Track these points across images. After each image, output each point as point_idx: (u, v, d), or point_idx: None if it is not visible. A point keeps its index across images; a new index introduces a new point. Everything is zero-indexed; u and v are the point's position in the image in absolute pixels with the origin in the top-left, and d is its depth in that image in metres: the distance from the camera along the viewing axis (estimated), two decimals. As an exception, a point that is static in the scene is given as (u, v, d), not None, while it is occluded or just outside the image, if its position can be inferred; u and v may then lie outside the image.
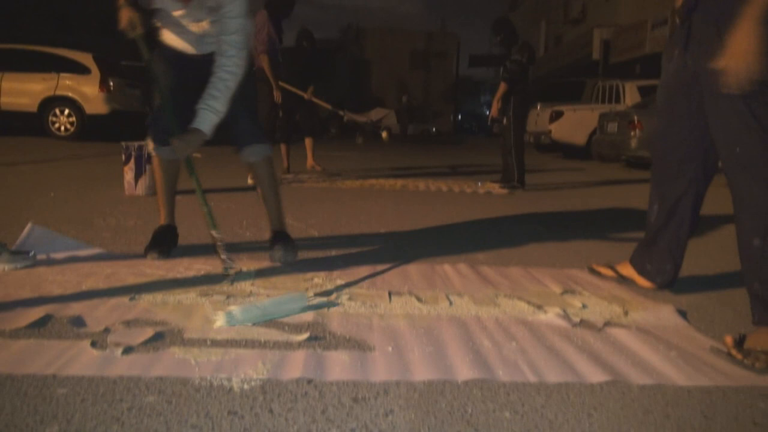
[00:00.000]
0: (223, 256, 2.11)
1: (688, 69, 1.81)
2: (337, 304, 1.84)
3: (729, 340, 1.56)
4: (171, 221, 2.54)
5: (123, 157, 4.16)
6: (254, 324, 1.62)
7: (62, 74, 9.82)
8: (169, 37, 2.31)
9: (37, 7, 18.04)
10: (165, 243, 2.44)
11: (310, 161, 6.45)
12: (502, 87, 5.38)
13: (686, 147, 1.92)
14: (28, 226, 2.52)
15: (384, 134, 6.82)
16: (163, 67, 2.29)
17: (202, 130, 2.11)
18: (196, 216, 3.29)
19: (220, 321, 1.61)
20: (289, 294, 1.82)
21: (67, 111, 9.89)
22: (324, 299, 1.87)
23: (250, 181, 4.70)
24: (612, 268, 2.28)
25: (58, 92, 9.83)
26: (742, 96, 1.61)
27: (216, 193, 4.30)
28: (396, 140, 15.43)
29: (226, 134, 2.40)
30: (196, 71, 2.21)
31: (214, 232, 2.16)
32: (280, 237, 2.40)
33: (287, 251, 2.35)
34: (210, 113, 2.11)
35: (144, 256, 2.36)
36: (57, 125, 9.93)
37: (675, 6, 1.87)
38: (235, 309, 1.64)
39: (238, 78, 2.14)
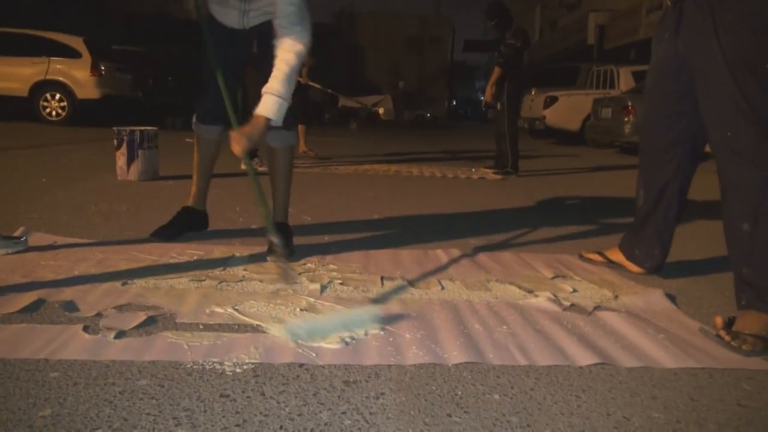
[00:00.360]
0: (282, 266, 1.92)
1: (678, 53, 1.80)
2: (330, 289, 1.85)
3: (719, 321, 1.58)
4: (197, 204, 2.49)
5: (115, 142, 4.14)
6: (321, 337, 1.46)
7: (53, 58, 9.72)
8: (216, 11, 2.23)
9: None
10: (173, 228, 2.41)
11: (302, 147, 6.44)
12: (496, 72, 5.35)
13: (674, 131, 1.92)
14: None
15: (381, 110, 6.79)
16: (222, 51, 2.14)
17: (263, 116, 1.95)
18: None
19: (277, 332, 1.49)
20: (358, 310, 1.66)
21: (58, 95, 9.80)
22: (317, 284, 1.88)
23: (259, 168, 4.63)
24: (602, 254, 2.29)
25: (49, 76, 9.73)
26: (734, 79, 1.61)
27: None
28: (391, 126, 15.40)
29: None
30: (242, 46, 2.14)
31: (273, 238, 1.93)
32: (279, 230, 2.32)
33: (280, 247, 2.18)
34: (273, 96, 1.95)
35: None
36: (48, 110, 9.84)
37: None
38: (298, 324, 1.50)
39: (301, 55, 1.98)
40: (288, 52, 1.97)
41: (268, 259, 2.11)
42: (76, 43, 9.91)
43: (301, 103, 6.25)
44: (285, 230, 2.32)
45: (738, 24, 1.61)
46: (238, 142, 1.92)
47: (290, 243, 2.29)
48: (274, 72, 1.97)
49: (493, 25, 5.50)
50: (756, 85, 1.58)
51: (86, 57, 9.78)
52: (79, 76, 9.73)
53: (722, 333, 1.54)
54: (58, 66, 9.73)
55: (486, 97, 5.45)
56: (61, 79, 9.76)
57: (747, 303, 1.62)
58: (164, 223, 2.45)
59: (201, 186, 2.49)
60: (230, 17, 2.22)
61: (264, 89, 1.97)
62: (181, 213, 2.48)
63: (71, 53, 9.80)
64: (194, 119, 2.40)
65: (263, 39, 2.13)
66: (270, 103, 1.96)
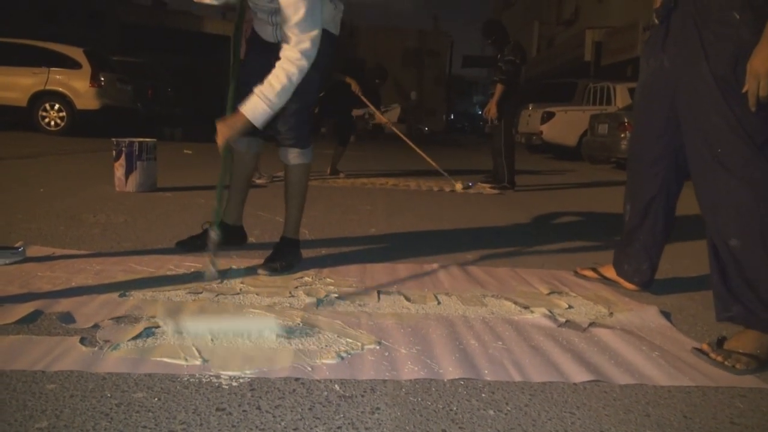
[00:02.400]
0: (211, 258, 2.00)
1: (664, 69, 1.82)
2: (326, 303, 1.85)
3: (705, 347, 1.59)
4: (229, 218, 2.47)
5: (113, 153, 4.15)
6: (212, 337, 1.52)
7: (53, 69, 9.75)
8: (256, 24, 2.26)
9: (28, 1, 17.91)
10: (199, 239, 2.39)
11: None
12: (499, 88, 5.34)
13: (660, 146, 1.93)
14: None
15: (387, 123, 6.72)
16: (259, 62, 2.11)
17: (243, 113, 1.94)
18: (188, 213, 3.29)
19: (169, 326, 1.55)
20: (261, 320, 1.67)
21: (57, 106, 9.82)
22: (313, 298, 1.89)
23: (256, 180, 4.64)
24: (596, 270, 2.31)
25: (49, 87, 9.76)
26: (723, 96, 1.63)
27: (207, 190, 4.30)
28: (390, 139, 15.42)
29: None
30: (261, 62, 2.08)
31: (213, 232, 2.01)
32: (279, 246, 2.29)
33: (274, 263, 2.19)
34: (258, 100, 1.93)
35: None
36: (47, 120, 9.86)
37: (654, 5, 1.88)
38: (187, 321, 1.57)
39: (301, 68, 1.93)
40: (292, 63, 1.93)
41: (209, 250, 2.04)
42: (77, 53, 9.95)
43: (345, 128, 6.27)
44: (292, 246, 2.31)
45: (721, 42, 1.63)
46: (218, 133, 1.95)
47: (290, 258, 2.27)
48: (271, 77, 1.94)
49: (490, 43, 5.54)
50: (744, 101, 1.59)
51: (86, 68, 9.82)
52: (79, 86, 9.76)
53: (713, 355, 1.55)
54: (57, 76, 9.76)
55: (491, 113, 5.42)
56: (60, 89, 9.78)
57: (734, 316, 1.63)
58: (194, 234, 2.47)
59: (233, 200, 2.48)
60: (265, 32, 2.23)
61: (257, 89, 1.94)
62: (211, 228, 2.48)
63: (71, 64, 9.83)
64: None
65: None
66: (255, 106, 1.94)
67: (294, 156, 2.23)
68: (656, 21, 1.83)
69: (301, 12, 1.90)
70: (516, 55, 5.34)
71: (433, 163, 5.90)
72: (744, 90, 1.55)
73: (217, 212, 2.04)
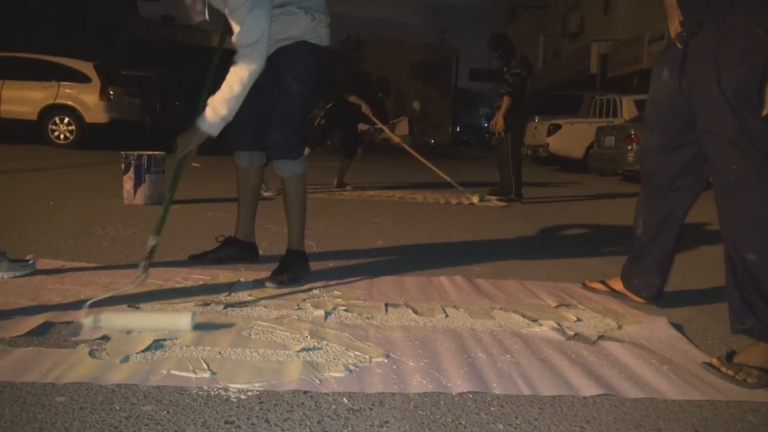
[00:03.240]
0: (144, 263, 1.95)
1: (683, 92, 1.83)
2: (334, 315, 1.85)
3: (715, 361, 1.57)
4: (240, 234, 2.49)
5: (122, 166, 4.18)
6: (127, 331, 1.60)
7: (63, 83, 9.86)
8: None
9: (39, 16, 18.16)
10: (212, 254, 2.46)
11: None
12: (507, 101, 5.35)
13: (681, 162, 1.94)
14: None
15: (397, 139, 6.73)
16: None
17: (198, 126, 2.00)
18: (196, 225, 3.31)
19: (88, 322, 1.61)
20: (176, 313, 1.71)
21: (66, 119, 9.92)
22: (321, 311, 1.89)
23: (263, 193, 4.63)
24: (605, 283, 2.30)
25: (59, 100, 9.87)
26: (735, 113, 1.64)
27: (215, 203, 4.32)
28: (395, 151, 15.47)
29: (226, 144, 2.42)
30: (260, 78, 2.08)
31: (152, 237, 1.98)
32: (285, 259, 2.29)
33: (281, 275, 2.19)
34: (209, 111, 1.99)
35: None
36: (56, 133, 9.95)
37: (673, 28, 1.87)
38: (104, 314, 1.65)
39: (244, 79, 1.98)
40: (235, 73, 1.98)
41: (146, 254, 2.01)
42: (86, 68, 10.06)
43: (351, 140, 6.31)
44: (298, 258, 2.30)
45: (749, 57, 1.64)
46: (178, 145, 2.01)
47: (297, 270, 2.26)
48: (222, 87, 1.99)
49: (497, 56, 5.56)
50: (756, 118, 1.61)
51: (95, 82, 9.92)
52: (88, 100, 9.86)
53: (724, 369, 1.53)
54: (67, 90, 9.87)
55: (498, 126, 5.43)
56: (70, 103, 9.88)
57: (748, 329, 1.62)
58: (208, 249, 2.51)
59: (242, 216, 2.48)
60: None
61: (209, 100, 2.00)
62: (224, 243, 2.50)
63: (81, 78, 9.94)
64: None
65: (274, 68, 2.16)
66: (208, 117, 1.99)
67: (286, 167, 2.24)
68: (679, 45, 1.83)
69: (243, 23, 1.95)
70: (523, 68, 5.36)
71: (447, 177, 5.89)
72: (764, 113, 1.58)
73: (160, 220, 2.03)
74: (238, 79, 1.99)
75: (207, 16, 1.94)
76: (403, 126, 8.64)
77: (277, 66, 2.18)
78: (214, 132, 2.03)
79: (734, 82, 1.64)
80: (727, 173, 1.69)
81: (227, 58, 2.06)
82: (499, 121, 5.40)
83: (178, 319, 1.67)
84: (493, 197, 5.72)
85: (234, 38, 1.99)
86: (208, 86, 2.15)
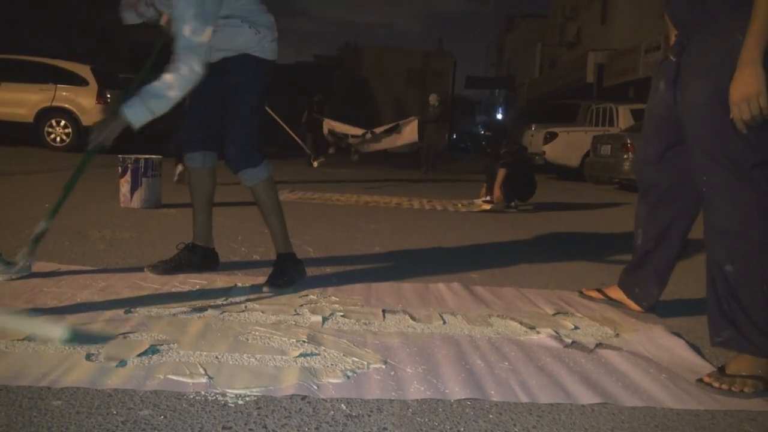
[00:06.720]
0: (26, 249, 1.90)
1: (677, 104, 1.84)
2: (332, 321, 1.85)
3: (707, 378, 1.56)
4: (199, 239, 2.42)
5: (119, 169, 4.17)
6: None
7: (59, 85, 9.85)
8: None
9: (36, 18, 18.15)
10: (169, 263, 2.34)
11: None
12: (502, 173, 5.43)
13: (677, 174, 1.95)
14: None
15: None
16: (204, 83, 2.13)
17: (120, 112, 1.97)
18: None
19: None
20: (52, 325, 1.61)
21: (63, 122, 9.90)
22: (319, 317, 1.88)
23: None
24: (601, 291, 2.30)
25: (55, 103, 9.85)
26: (703, 125, 1.66)
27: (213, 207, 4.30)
28: (393, 158, 15.48)
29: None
30: (209, 80, 2.11)
31: (43, 221, 1.94)
32: (277, 264, 2.28)
33: (277, 280, 2.20)
34: (137, 100, 1.97)
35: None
36: (53, 136, 9.93)
37: (668, 40, 1.90)
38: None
39: (184, 82, 1.99)
40: (170, 74, 1.98)
41: (32, 238, 2.01)
42: (83, 71, 10.05)
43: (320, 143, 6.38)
44: (289, 261, 2.30)
45: (718, 66, 1.64)
46: (95, 132, 2.02)
47: (291, 273, 2.26)
48: (158, 82, 1.98)
49: (489, 136, 5.98)
50: (728, 128, 1.60)
51: (93, 85, 9.90)
52: (85, 103, 9.84)
53: (717, 385, 1.53)
54: (64, 93, 9.85)
55: (495, 197, 5.49)
56: (66, 105, 9.86)
57: (725, 341, 1.62)
58: (166, 259, 2.39)
59: (199, 221, 2.41)
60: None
61: (141, 91, 1.98)
62: (183, 250, 2.42)
63: (78, 81, 9.93)
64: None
65: (220, 74, 2.18)
66: (135, 105, 1.98)
67: (251, 176, 2.23)
68: (672, 58, 1.84)
69: (186, 26, 1.96)
70: (511, 147, 5.60)
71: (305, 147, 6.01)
72: (731, 115, 1.58)
73: (55, 207, 2.04)
74: (173, 78, 1.98)
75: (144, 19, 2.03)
76: (411, 129, 7.94)
77: (223, 75, 2.21)
78: (137, 122, 1.99)
79: (709, 90, 1.65)
80: (702, 184, 1.70)
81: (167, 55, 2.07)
82: (496, 192, 5.46)
83: (50, 330, 1.56)
84: (480, 200, 5.79)
85: (176, 40, 1.99)
86: (138, 79, 2.17)
